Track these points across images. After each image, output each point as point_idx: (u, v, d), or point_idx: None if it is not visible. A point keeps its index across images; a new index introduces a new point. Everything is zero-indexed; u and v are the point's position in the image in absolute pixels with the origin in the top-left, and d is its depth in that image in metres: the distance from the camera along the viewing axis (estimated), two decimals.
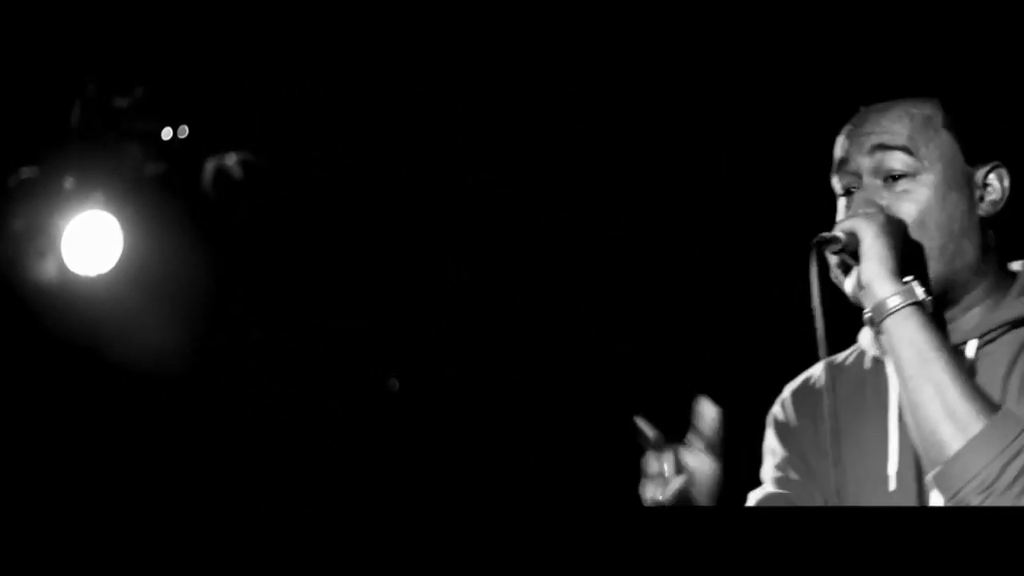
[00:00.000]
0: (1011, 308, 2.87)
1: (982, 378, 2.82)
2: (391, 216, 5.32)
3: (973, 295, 2.91)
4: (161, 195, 5.25)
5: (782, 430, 3.04)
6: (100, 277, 5.20)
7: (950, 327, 2.89)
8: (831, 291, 2.86)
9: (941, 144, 2.91)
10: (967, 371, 2.78)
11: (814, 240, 2.81)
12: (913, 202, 2.87)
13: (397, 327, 5.39)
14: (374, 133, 5.28)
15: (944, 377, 2.74)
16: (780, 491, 2.92)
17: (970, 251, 2.88)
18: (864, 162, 2.89)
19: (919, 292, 2.78)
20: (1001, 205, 2.90)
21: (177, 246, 5.25)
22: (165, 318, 5.28)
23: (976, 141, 2.92)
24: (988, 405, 2.72)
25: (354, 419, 5.42)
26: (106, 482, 5.28)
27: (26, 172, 5.16)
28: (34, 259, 5.16)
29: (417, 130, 5.25)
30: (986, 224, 2.90)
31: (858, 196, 2.88)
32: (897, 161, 2.88)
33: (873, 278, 2.78)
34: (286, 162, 5.33)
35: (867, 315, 2.79)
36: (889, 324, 2.76)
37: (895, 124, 2.91)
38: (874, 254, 2.79)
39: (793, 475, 2.94)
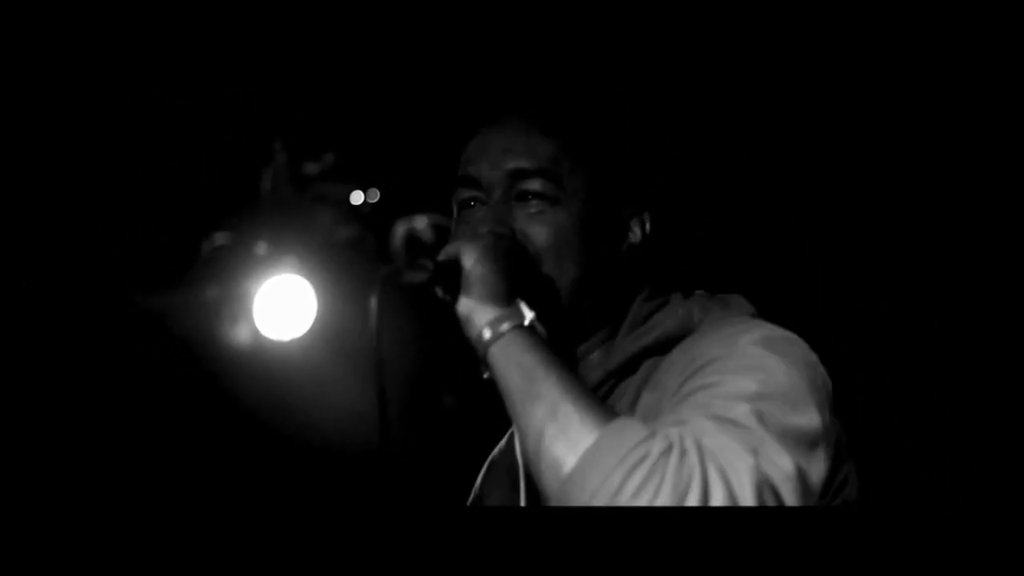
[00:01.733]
0: (619, 352, 2.63)
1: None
2: None
3: (595, 339, 2.66)
4: (353, 258, 5.24)
5: None
6: (294, 342, 5.22)
7: (586, 361, 2.64)
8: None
9: (587, 173, 2.65)
10: (583, 387, 2.55)
11: (382, 273, 2.58)
12: (549, 226, 2.63)
13: None
14: None
15: (555, 393, 2.49)
16: None
17: (601, 291, 2.64)
18: (497, 181, 2.61)
19: (526, 313, 2.52)
20: (641, 250, 2.68)
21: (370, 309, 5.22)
22: (360, 383, 5.25)
23: (623, 177, 2.66)
24: (605, 416, 2.49)
25: None
26: (301, 554, 5.26)
27: (218, 239, 5.24)
28: (227, 325, 5.23)
29: None
30: (622, 267, 2.66)
31: (486, 211, 2.60)
32: (536, 184, 2.62)
33: (474, 306, 2.54)
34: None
35: (474, 345, 2.50)
36: (493, 352, 2.53)
37: (539, 144, 2.65)
38: (475, 278, 2.56)
39: None
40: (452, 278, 2.60)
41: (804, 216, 5.02)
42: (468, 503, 2.86)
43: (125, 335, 5.24)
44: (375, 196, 5.43)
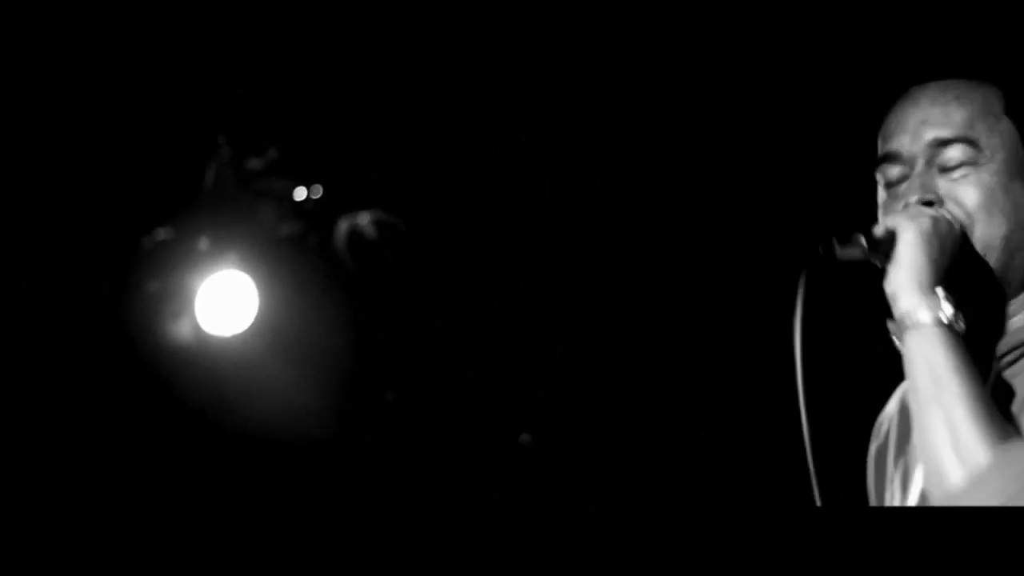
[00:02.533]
0: None
1: (1015, 396, 2.60)
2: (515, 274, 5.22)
3: (1022, 299, 2.69)
4: (295, 254, 5.25)
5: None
6: (235, 337, 5.22)
7: (1009, 323, 2.68)
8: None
9: (1003, 132, 2.72)
10: (987, 395, 2.52)
11: (821, 248, 2.59)
12: (976, 187, 2.68)
13: (528, 384, 5.26)
14: (502, 189, 5.20)
15: (956, 402, 2.51)
16: None
17: None
18: (919, 151, 2.70)
19: (947, 309, 2.57)
20: None
21: (312, 305, 5.24)
22: (300, 379, 5.26)
23: None
24: (1001, 435, 2.47)
25: (490, 477, 5.29)
26: (234, 547, 5.25)
27: (160, 234, 5.23)
28: (169, 320, 5.22)
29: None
30: None
31: (912, 182, 2.68)
32: (956, 151, 2.69)
33: (900, 288, 2.58)
34: (419, 220, 5.27)
35: (890, 326, 2.59)
36: (908, 340, 2.56)
37: (954, 112, 2.72)
38: (906, 261, 2.59)
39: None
40: (887, 250, 2.61)
41: None
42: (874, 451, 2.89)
43: (67, 329, 5.22)
44: (318, 192, 5.44)
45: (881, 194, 2.75)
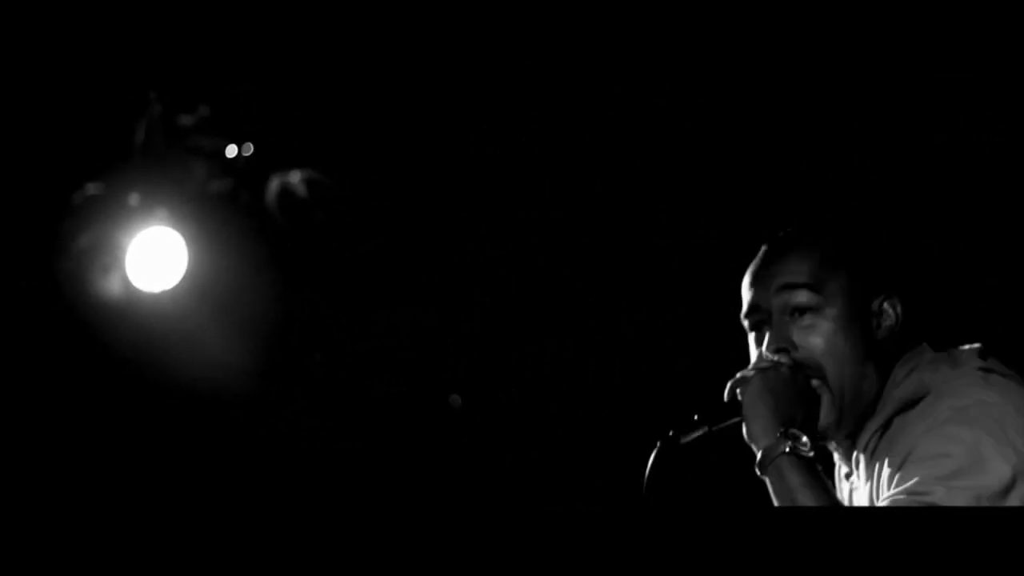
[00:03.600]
0: (880, 414, 3.15)
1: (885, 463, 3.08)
2: (449, 232, 5.23)
3: (881, 401, 3.17)
4: (225, 212, 5.26)
5: None
6: (164, 293, 5.24)
7: (859, 439, 3.17)
8: None
9: (840, 278, 3.19)
10: (838, 503, 3.13)
11: (663, 441, 3.07)
12: (820, 335, 3.17)
13: (455, 346, 5.28)
14: (434, 147, 5.21)
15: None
16: None
17: (872, 374, 3.18)
18: (772, 301, 3.17)
19: (788, 443, 3.03)
20: (897, 330, 3.20)
21: (241, 263, 5.26)
22: (229, 335, 5.28)
23: (870, 274, 3.21)
24: None
25: (415, 438, 5.32)
26: (161, 500, 5.30)
27: (91, 189, 5.24)
28: (99, 275, 5.23)
29: (478, 154, 5.20)
30: (884, 347, 3.19)
31: (770, 334, 3.15)
32: (803, 296, 3.19)
33: (751, 438, 3.07)
34: (350, 178, 5.29)
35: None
36: (769, 474, 3.04)
37: (799, 264, 3.19)
38: (750, 414, 3.09)
39: None
40: (734, 410, 3.15)
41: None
42: None
43: None
44: (249, 150, 5.45)
45: (751, 340, 3.22)
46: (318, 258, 5.32)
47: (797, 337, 3.19)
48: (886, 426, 3.17)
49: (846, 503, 3.25)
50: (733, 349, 4.95)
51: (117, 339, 5.25)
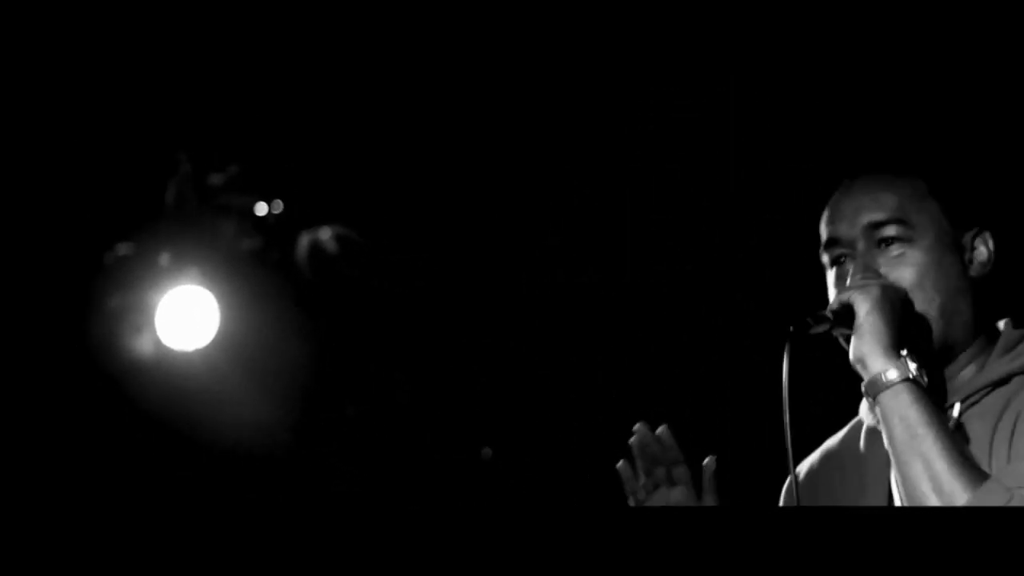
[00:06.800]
0: (993, 369, 2.97)
1: (970, 441, 2.92)
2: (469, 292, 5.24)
3: (968, 353, 3.00)
4: (256, 269, 5.27)
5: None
6: (196, 352, 5.24)
7: (948, 386, 2.98)
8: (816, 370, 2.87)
9: (930, 211, 3.02)
10: (958, 442, 2.86)
11: (793, 327, 2.85)
12: (910, 266, 2.98)
13: (488, 400, 5.27)
14: (462, 205, 5.23)
15: (933, 452, 2.81)
16: None
17: (966, 311, 3.00)
18: (856, 234, 2.98)
19: (912, 367, 2.86)
20: (989, 267, 3.03)
21: (272, 320, 5.25)
22: (261, 393, 5.27)
23: (961, 208, 3.05)
24: (976, 477, 2.79)
25: (450, 492, 5.30)
26: (194, 561, 5.27)
27: (121, 249, 5.26)
28: (130, 335, 5.24)
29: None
30: (977, 285, 3.02)
31: (856, 263, 2.96)
32: (891, 230, 3.01)
33: (867, 354, 2.84)
34: (381, 235, 5.30)
35: (863, 388, 2.85)
36: (881, 400, 2.83)
37: (884, 196, 3.03)
38: (868, 328, 2.86)
39: None
40: (846, 323, 2.91)
41: None
42: (792, 484, 3.06)
43: (30, 343, 5.23)
44: (279, 207, 5.47)
45: (829, 276, 3.02)
46: (348, 313, 5.32)
47: (885, 268, 3.00)
48: (997, 384, 2.99)
49: None
50: (733, 351, 5.00)
51: (149, 399, 5.24)
